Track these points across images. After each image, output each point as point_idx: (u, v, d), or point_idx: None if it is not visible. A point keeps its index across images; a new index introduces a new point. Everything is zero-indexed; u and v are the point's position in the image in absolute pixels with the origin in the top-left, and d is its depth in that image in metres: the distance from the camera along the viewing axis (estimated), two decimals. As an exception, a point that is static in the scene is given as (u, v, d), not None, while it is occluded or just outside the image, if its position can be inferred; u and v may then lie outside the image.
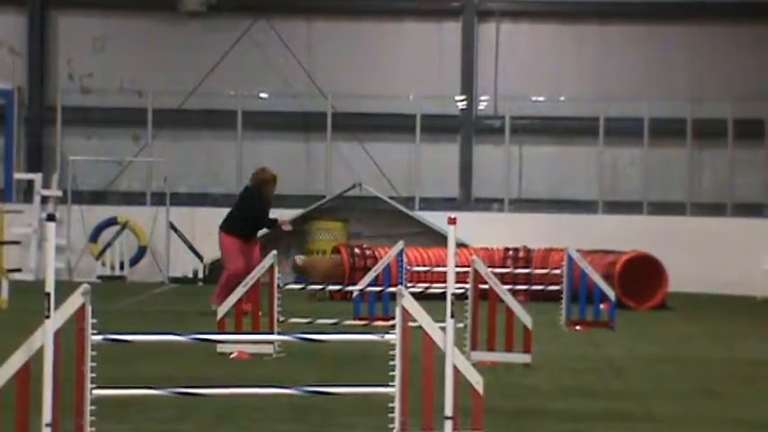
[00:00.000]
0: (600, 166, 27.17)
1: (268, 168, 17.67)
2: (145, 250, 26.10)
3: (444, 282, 7.03)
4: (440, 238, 23.93)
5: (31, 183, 26.69)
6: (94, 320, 6.85)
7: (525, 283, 20.37)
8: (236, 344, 12.41)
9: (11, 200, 26.58)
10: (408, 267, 18.94)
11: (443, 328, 6.92)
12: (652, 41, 27.92)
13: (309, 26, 28.30)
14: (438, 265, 21.03)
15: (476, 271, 12.52)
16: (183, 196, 27.21)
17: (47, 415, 6.61)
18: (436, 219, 25.13)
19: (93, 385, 6.85)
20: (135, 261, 26.06)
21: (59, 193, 26.32)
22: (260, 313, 12.92)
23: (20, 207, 26.07)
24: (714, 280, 24.68)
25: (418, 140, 27.17)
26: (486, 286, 12.48)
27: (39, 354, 6.64)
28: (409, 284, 18.03)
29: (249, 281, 12.80)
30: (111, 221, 26.10)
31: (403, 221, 25.87)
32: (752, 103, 26.69)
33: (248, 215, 17.17)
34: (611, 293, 16.70)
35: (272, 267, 12.95)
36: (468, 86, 28.03)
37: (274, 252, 13.17)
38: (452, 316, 6.89)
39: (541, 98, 27.68)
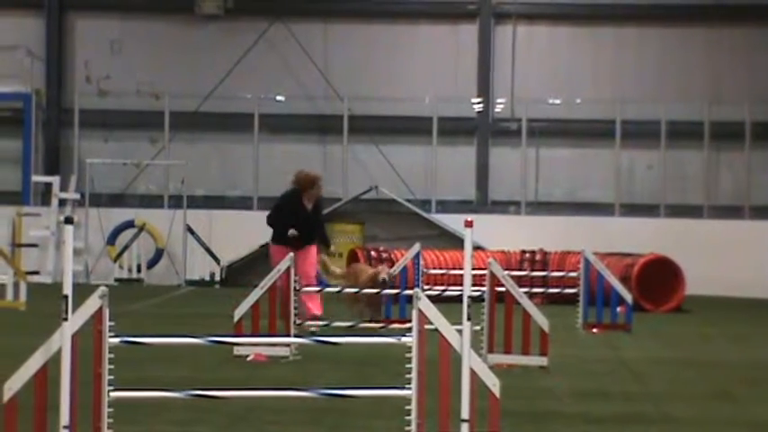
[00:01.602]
0: (617, 168, 27.12)
1: (305, 170, 16.20)
2: (162, 253, 26.15)
3: (461, 284, 7.03)
4: (456, 241, 23.92)
5: (48, 185, 26.77)
6: (112, 323, 6.87)
7: (542, 286, 20.33)
8: (252, 346, 12.42)
9: (29, 203, 26.68)
10: (425, 270, 18.93)
11: (460, 331, 6.92)
12: (669, 43, 27.87)
13: (326, 29, 28.33)
14: (454, 268, 21.01)
15: (492, 273, 12.52)
16: (200, 199, 27.27)
17: (64, 417, 6.63)
18: (452, 221, 25.12)
19: (111, 387, 6.87)
20: (152, 264, 26.11)
21: (77, 196, 26.39)
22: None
23: (38, 210, 26.18)
24: (731, 282, 24.62)
25: (435, 143, 27.17)
26: (502, 289, 12.47)
27: (57, 356, 6.67)
28: (426, 287, 18.03)
29: (267, 282, 12.80)
30: (129, 224, 26.15)
31: (419, 224, 25.87)
32: (769, 106, 26.64)
33: (283, 221, 15.59)
34: (627, 296, 16.67)
35: (288, 270, 12.95)
36: (484, 89, 28.02)
37: (291, 255, 13.17)
38: (469, 318, 6.89)
39: (558, 100, 27.65)
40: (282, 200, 16.13)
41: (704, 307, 21.82)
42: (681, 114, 26.87)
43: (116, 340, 6.89)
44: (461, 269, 7.05)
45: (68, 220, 6.74)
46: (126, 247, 25.87)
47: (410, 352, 7.01)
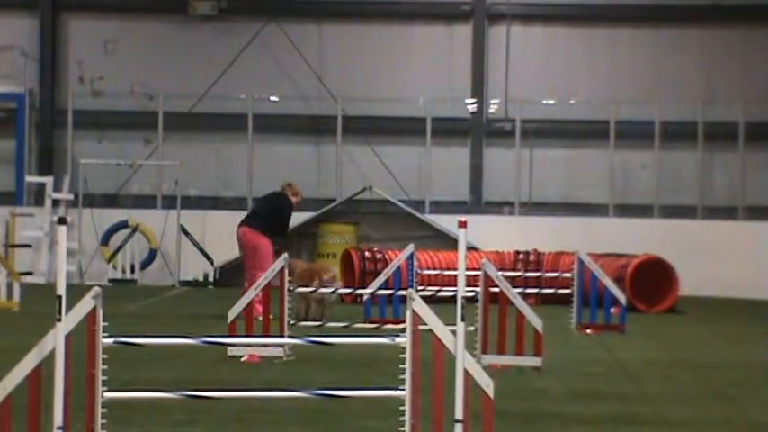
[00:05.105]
0: (611, 169, 27.13)
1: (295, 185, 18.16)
2: (156, 253, 26.12)
3: (455, 285, 7.03)
4: (450, 242, 23.92)
5: (42, 186, 26.74)
6: (105, 323, 6.86)
7: (536, 287, 20.33)
8: (246, 347, 12.42)
9: (22, 203, 26.64)
10: (419, 270, 18.92)
11: (454, 332, 6.92)
12: (663, 44, 27.89)
13: (320, 30, 28.32)
14: (448, 269, 21.02)
15: (486, 274, 12.52)
16: (194, 199, 27.25)
17: (58, 418, 6.62)
18: (446, 222, 25.11)
19: (105, 388, 6.86)
20: (146, 264, 26.09)
21: (70, 197, 26.37)
22: (270, 316, 12.93)
23: (31, 210, 26.14)
24: (726, 283, 24.63)
25: (429, 144, 27.17)
26: (496, 289, 12.47)
27: (50, 356, 6.65)
28: (420, 287, 18.03)
29: (261, 283, 12.81)
30: (123, 225, 26.13)
31: (413, 224, 25.86)
32: (763, 106, 26.64)
33: (276, 221, 17.47)
34: (621, 297, 16.68)
35: (282, 270, 12.94)
36: (478, 89, 28.02)
37: (285, 255, 13.17)
38: (463, 319, 6.88)
39: (552, 101, 27.66)
40: (287, 205, 17.74)
41: (698, 308, 21.84)
42: (675, 115, 26.88)
43: (110, 341, 6.88)
44: (455, 269, 7.03)
45: (62, 221, 6.73)
46: (120, 248, 25.85)
47: (404, 352, 7.01)
